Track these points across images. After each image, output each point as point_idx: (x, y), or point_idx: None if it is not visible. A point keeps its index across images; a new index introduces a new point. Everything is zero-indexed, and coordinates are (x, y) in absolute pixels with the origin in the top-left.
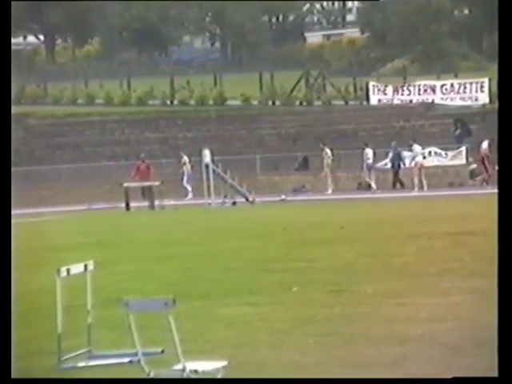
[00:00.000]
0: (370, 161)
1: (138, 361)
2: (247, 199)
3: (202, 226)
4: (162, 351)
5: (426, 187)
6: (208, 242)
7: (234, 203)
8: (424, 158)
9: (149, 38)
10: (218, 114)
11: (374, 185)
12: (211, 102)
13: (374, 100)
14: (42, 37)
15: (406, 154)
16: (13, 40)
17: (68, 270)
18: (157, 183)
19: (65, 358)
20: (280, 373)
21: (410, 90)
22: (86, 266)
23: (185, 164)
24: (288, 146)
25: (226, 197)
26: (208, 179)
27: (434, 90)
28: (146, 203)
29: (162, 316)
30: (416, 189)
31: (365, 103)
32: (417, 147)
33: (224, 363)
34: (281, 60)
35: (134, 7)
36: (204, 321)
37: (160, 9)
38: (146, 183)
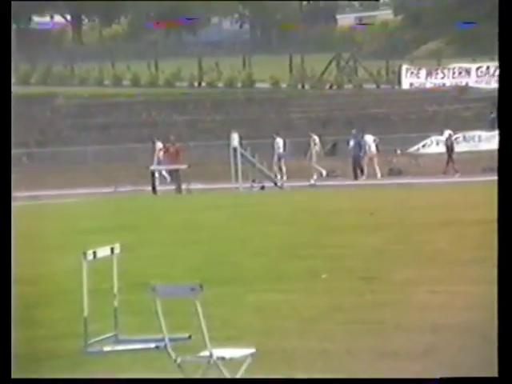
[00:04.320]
0: (281, 150)
1: (165, 346)
2: (276, 184)
3: (229, 210)
4: (189, 337)
5: (379, 175)
6: (236, 226)
7: (263, 188)
8: (455, 143)
9: (177, 19)
10: (246, 97)
11: (283, 176)
12: (240, 85)
13: (406, 84)
14: (68, 17)
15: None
16: (40, 19)
17: (94, 253)
18: (184, 166)
19: (91, 341)
20: (309, 361)
21: (444, 73)
22: (112, 249)
23: (160, 150)
24: (318, 131)
25: (254, 181)
26: (236, 163)
27: (468, 73)
28: (173, 187)
29: (189, 301)
30: (363, 177)
31: (397, 87)
32: (367, 138)
33: (252, 350)
34: (311, 42)
35: None
36: (231, 307)
37: None
38: (174, 166)
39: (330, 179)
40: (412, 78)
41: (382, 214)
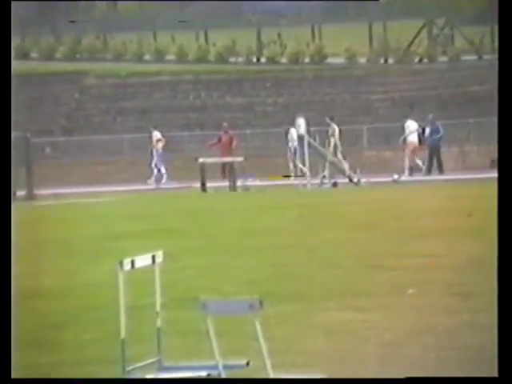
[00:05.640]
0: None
1: (219, 374)
2: (351, 180)
3: (295, 212)
4: (247, 363)
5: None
6: (303, 231)
7: (335, 184)
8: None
9: None
10: (315, 75)
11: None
12: (307, 60)
13: None
14: None
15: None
16: None
17: (132, 262)
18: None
19: (130, 368)
20: None
21: None
22: (153, 258)
23: (159, 141)
24: (403, 114)
25: (324, 177)
26: (303, 155)
27: None
28: (227, 183)
29: (246, 321)
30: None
31: None
32: (410, 123)
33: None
34: (397, 6)
35: None
36: (298, 328)
37: None
38: (227, 159)
39: (418, 173)
40: None
41: (483, 215)
